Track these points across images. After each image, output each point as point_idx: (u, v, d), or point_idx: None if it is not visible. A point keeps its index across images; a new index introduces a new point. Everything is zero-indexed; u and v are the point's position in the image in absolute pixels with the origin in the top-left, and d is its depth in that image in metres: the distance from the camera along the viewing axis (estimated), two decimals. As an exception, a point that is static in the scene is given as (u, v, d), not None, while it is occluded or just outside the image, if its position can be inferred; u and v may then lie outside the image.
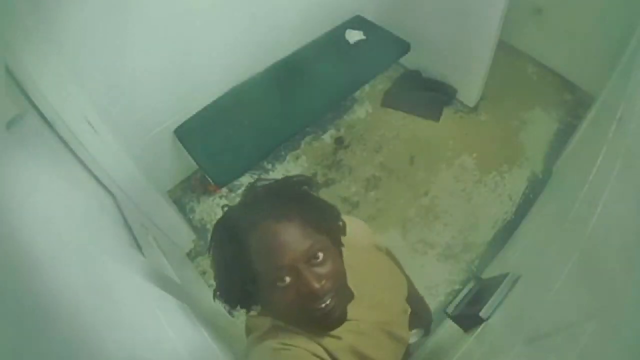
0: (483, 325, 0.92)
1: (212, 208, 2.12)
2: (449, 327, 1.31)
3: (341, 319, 0.59)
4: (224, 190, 2.13)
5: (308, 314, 0.56)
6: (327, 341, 0.62)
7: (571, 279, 0.72)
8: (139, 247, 1.19)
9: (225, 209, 0.65)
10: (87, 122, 1.21)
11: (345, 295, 0.62)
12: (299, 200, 0.60)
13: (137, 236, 1.24)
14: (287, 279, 0.55)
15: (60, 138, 1.13)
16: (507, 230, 1.89)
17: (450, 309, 1.12)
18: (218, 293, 0.63)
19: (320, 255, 0.56)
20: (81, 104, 1.21)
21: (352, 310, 0.62)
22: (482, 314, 0.93)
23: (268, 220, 0.56)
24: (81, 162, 1.21)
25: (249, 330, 0.70)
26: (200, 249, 1.99)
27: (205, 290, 1.84)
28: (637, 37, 1.44)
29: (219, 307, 1.80)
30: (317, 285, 0.54)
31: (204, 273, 1.92)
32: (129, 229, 1.27)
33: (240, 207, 0.63)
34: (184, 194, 2.18)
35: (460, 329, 1.08)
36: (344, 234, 0.64)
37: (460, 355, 0.94)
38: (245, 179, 2.17)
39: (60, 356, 0.49)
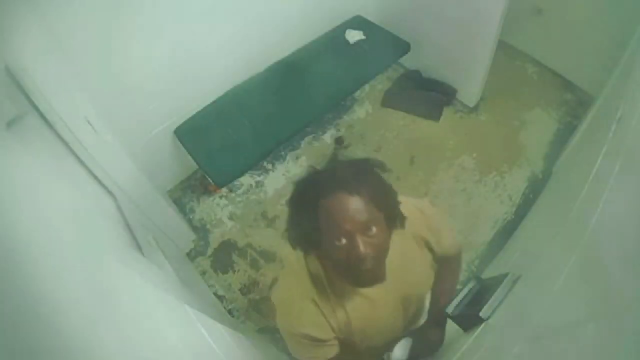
0: (483, 325, 0.92)
1: (212, 208, 2.12)
2: (449, 327, 1.31)
3: (376, 279, 0.75)
4: (224, 190, 2.13)
5: (351, 269, 0.71)
6: (341, 315, 0.82)
7: (571, 279, 0.72)
8: (139, 247, 1.19)
9: (310, 169, 0.82)
10: (87, 122, 1.21)
11: (383, 265, 0.76)
12: (370, 179, 0.73)
13: (137, 236, 1.24)
14: (343, 241, 0.68)
15: (60, 138, 1.13)
16: (507, 230, 1.89)
17: (450, 309, 1.12)
18: (288, 234, 0.79)
19: (374, 229, 0.69)
20: (81, 104, 1.21)
21: (375, 290, 0.78)
22: (482, 314, 0.93)
23: (342, 191, 0.69)
24: (81, 162, 1.21)
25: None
26: (201, 249, 1.99)
27: (205, 290, 1.84)
28: (637, 37, 1.44)
29: (219, 307, 1.80)
30: (363, 251, 0.67)
31: (204, 273, 1.92)
32: (129, 229, 1.27)
33: (322, 172, 0.78)
34: (184, 194, 2.18)
35: (460, 329, 1.08)
36: (401, 221, 0.77)
37: (460, 355, 0.94)
38: (245, 179, 2.17)
39: (60, 356, 0.49)
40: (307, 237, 0.75)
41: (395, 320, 0.92)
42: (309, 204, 0.71)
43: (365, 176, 0.73)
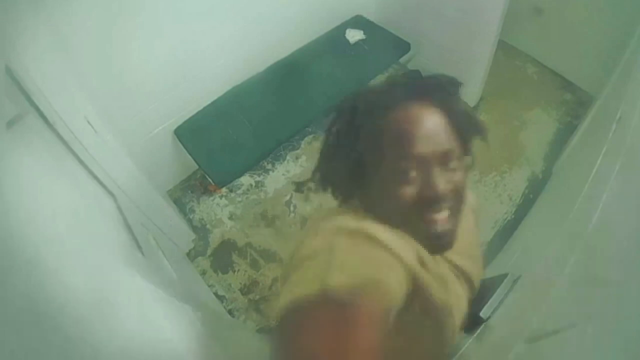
0: (483, 325, 0.92)
1: (212, 208, 2.12)
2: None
3: (451, 240, 0.51)
4: (224, 190, 2.13)
5: (421, 222, 0.48)
6: (427, 259, 0.50)
7: (571, 279, 0.72)
8: (139, 247, 1.19)
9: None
10: (87, 122, 1.21)
11: (458, 217, 0.52)
12: (449, 97, 0.53)
13: (137, 236, 1.24)
14: (413, 173, 0.48)
15: (60, 138, 1.13)
16: (507, 230, 1.89)
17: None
18: (319, 174, 0.56)
19: (455, 164, 0.50)
20: (81, 104, 1.21)
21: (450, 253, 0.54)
22: (482, 314, 0.93)
23: (411, 101, 0.49)
24: (81, 162, 1.21)
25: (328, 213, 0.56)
26: (201, 249, 1.99)
27: (205, 290, 1.84)
28: (637, 37, 1.44)
29: (219, 307, 1.80)
30: (442, 189, 0.47)
31: (204, 273, 1.92)
32: (129, 229, 1.27)
33: (385, 85, 0.55)
34: (184, 194, 2.18)
35: (460, 328, 1.08)
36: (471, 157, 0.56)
37: (460, 355, 0.94)
38: (245, 179, 2.17)
39: (59, 356, 0.49)
40: (351, 173, 0.52)
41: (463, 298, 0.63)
42: (357, 125, 0.51)
43: (443, 92, 0.53)
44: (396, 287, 0.42)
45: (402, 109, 0.49)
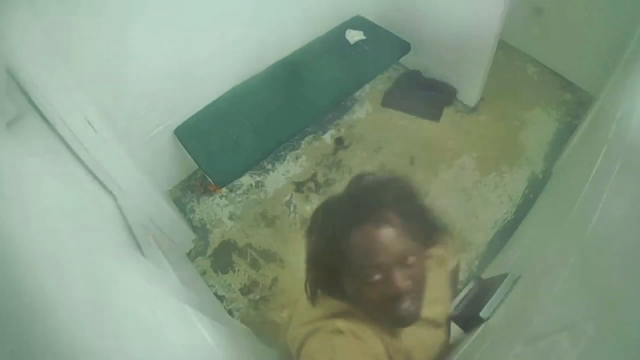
0: (483, 325, 0.92)
1: (212, 208, 2.12)
2: (449, 327, 1.30)
3: (414, 319, 0.62)
4: (224, 190, 2.13)
5: (387, 311, 0.61)
6: (390, 341, 0.67)
7: (571, 279, 0.72)
8: (139, 247, 1.19)
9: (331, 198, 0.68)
10: (87, 122, 1.21)
11: (421, 298, 0.64)
12: (404, 203, 0.63)
13: (137, 236, 1.24)
14: (377, 277, 0.59)
15: (60, 138, 1.13)
16: (507, 230, 1.89)
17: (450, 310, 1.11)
18: (309, 281, 0.68)
19: (412, 259, 0.60)
20: (81, 104, 1.21)
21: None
22: (482, 314, 0.93)
23: (371, 223, 0.60)
24: (81, 162, 1.21)
25: (317, 309, 0.70)
26: (201, 249, 1.99)
27: (205, 290, 1.84)
28: (637, 37, 1.44)
29: (219, 307, 1.80)
30: (402, 286, 0.58)
31: (204, 273, 1.92)
32: (129, 229, 1.27)
33: (345, 198, 0.66)
34: (184, 194, 2.18)
35: (460, 329, 1.08)
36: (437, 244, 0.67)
37: (460, 355, 0.94)
38: (245, 179, 2.18)
39: (60, 356, 0.49)
40: (331, 276, 0.64)
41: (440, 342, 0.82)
42: (329, 238, 0.62)
43: (399, 197, 0.63)
44: None
45: (361, 229, 0.60)
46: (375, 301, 0.60)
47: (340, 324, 0.64)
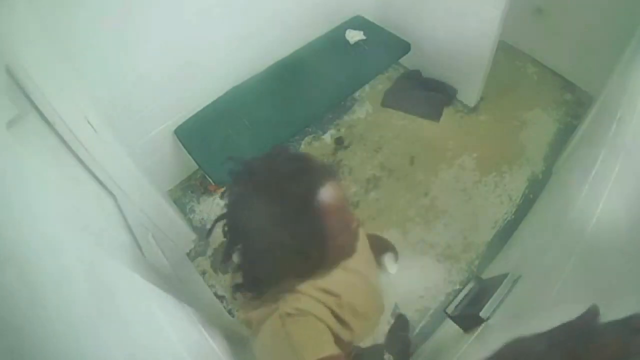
0: (483, 325, 0.92)
1: (212, 208, 2.12)
2: (449, 327, 1.31)
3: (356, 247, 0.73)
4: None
5: (347, 245, 0.70)
6: (331, 301, 0.73)
7: (571, 279, 0.72)
8: (139, 247, 1.19)
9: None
10: (87, 122, 1.21)
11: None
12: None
13: (137, 236, 1.24)
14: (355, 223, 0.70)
15: (60, 138, 1.13)
16: (507, 230, 1.89)
17: (450, 309, 1.12)
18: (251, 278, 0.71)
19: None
20: (81, 104, 1.21)
21: (353, 261, 0.74)
22: (482, 314, 0.93)
23: (333, 179, 0.65)
24: (81, 162, 1.21)
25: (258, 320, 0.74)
26: (201, 249, 1.99)
27: (205, 290, 1.84)
28: (637, 37, 1.44)
29: (219, 306, 1.80)
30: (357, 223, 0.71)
31: (204, 273, 1.92)
32: (129, 229, 1.27)
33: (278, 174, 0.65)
34: (184, 194, 2.18)
35: (460, 329, 1.08)
36: None
37: (460, 355, 0.94)
38: (245, 179, 2.17)
39: (60, 356, 0.49)
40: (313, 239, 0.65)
41: (377, 295, 0.90)
42: (299, 213, 0.62)
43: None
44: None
45: (327, 190, 0.63)
46: (345, 241, 0.69)
47: (285, 307, 0.68)
